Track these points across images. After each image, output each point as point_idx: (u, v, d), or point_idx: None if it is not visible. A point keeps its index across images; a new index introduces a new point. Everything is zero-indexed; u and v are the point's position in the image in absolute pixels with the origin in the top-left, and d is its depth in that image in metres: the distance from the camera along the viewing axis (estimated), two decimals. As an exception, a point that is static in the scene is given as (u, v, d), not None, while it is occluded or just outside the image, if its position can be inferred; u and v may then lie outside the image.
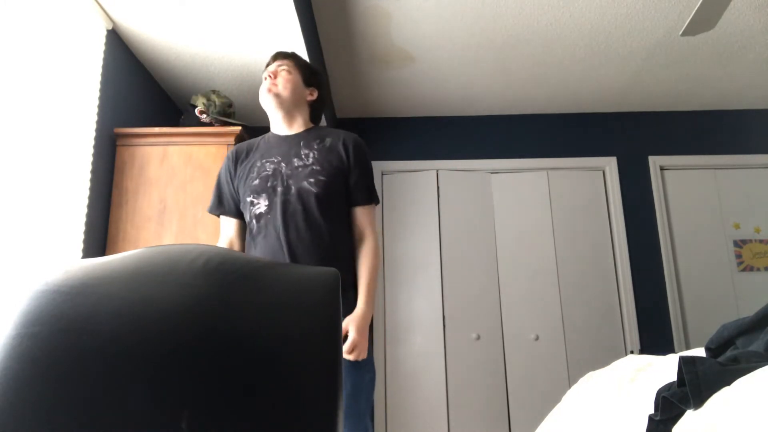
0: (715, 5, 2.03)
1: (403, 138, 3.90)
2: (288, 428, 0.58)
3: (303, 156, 1.71)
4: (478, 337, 3.51)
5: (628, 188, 3.78)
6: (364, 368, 1.58)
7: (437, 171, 3.82)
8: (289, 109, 1.76)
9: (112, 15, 2.38)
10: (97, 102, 2.35)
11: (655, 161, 3.83)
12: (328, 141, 1.73)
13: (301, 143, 1.73)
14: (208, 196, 2.45)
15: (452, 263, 3.64)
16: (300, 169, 1.68)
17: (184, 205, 2.43)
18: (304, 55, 2.67)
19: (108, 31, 2.42)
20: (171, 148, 2.52)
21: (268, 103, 1.75)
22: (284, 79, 1.75)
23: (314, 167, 1.68)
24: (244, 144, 1.82)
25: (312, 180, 1.66)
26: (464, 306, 3.57)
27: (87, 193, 2.27)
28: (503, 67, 3.30)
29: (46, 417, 0.55)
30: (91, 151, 2.31)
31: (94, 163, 2.33)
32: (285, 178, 1.67)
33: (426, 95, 3.65)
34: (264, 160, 1.72)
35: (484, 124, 3.94)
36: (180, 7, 2.32)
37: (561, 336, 3.53)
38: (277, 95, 1.73)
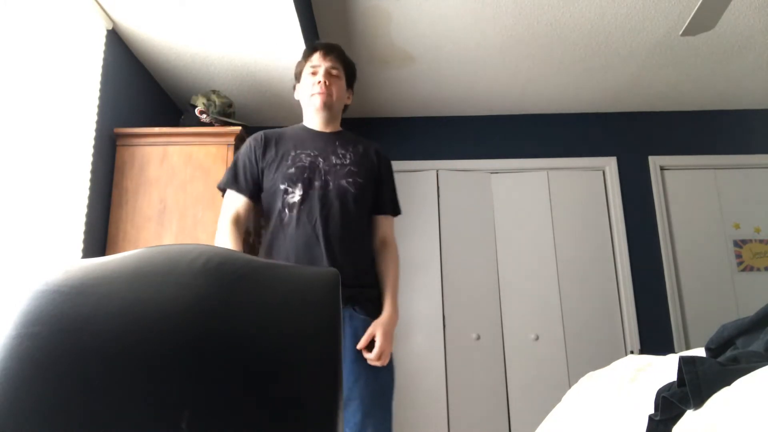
0: (715, 5, 2.03)
1: (403, 138, 3.90)
2: (288, 428, 0.58)
3: (341, 155, 1.73)
4: (478, 337, 3.51)
5: (628, 188, 3.78)
6: (391, 367, 1.64)
7: (437, 171, 3.82)
8: (334, 113, 1.80)
9: (112, 15, 2.38)
10: (97, 102, 2.35)
11: (655, 161, 3.83)
12: (360, 147, 1.79)
13: (337, 143, 1.76)
14: (209, 196, 2.45)
15: (452, 263, 3.64)
16: (338, 167, 1.70)
17: (184, 205, 2.43)
18: (304, 55, 2.67)
19: (108, 31, 2.42)
20: (171, 148, 2.52)
21: (317, 106, 1.75)
22: (338, 87, 1.78)
23: (352, 168, 1.71)
24: (272, 131, 1.81)
25: (351, 180, 1.69)
26: (464, 306, 3.57)
27: (87, 193, 2.27)
28: (503, 67, 3.30)
29: (46, 417, 0.55)
30: (91, 151, 2.31)
31: (94, 163, 2.33)
32: (323, 172, 1.68)
33: (426, 95, 3.65)
34: (299, 151, 1.71)
35: (484, 124, 3.94)
36: (180, 7, 2.32)
37: (561, 336, 3.52)
38: (330, 104, 1.76)
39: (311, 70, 1.76)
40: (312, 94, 1.75)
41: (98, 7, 2.30)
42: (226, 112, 2.78)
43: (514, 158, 3.86)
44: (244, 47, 2.64)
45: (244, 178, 1.73)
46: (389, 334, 1.59)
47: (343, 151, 1.74)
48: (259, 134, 1.79)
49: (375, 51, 3.11)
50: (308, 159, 1.70)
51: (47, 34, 2.00)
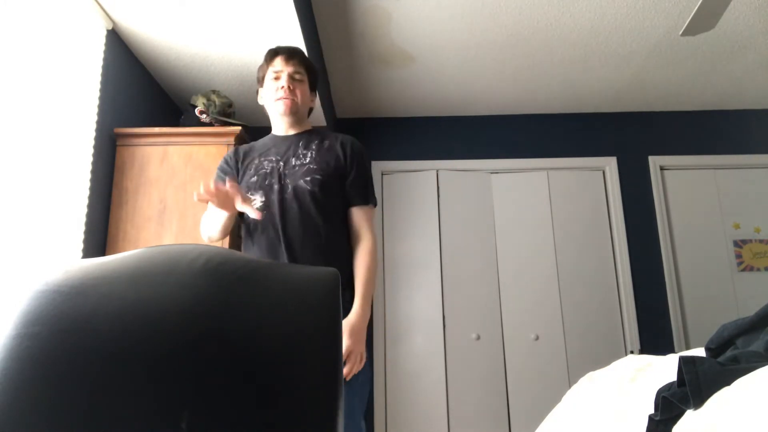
0: (715, 5, 2.03)
1: (403, 138, 3.90)
2: (288, 428, 0.58)
3: (301, 155, 1.73)
4: (478, 337, 3.51)
5: (628, 188, 3.78)
6: (364, 378, 1.58)
7: (437, 171, 3.82)
8: (298, 117, 1.79)
9: (112, 15, 2.38)
10: (97, 102, 2.35)
11: (655, 161, 3.83)
12: (326, 142, 1.76)
13: (300, 143, 1.76)
14: (208, 196, 2.45)
15: (452, 263, 3.64)
16: (297, 168, 1.70)
17: (184, 205, 2.43)
18: (304, 55, 2.66)
19: (108, 31, 2.42)
20: (171, 148, 2.51)
21: (281, 111, 1.76)
22: (301, 92, 1.77)
23: (311, 166, 1.70)
24: (246, 145, 1.85)
25: (308, 178, 1.67)
26: (464, 306, 3.57)
27: (87, 193, 2.27)
28: (503, 67, 3.30)
29: (46, 417, 0.55)
30: (91, 151, 2.31)
31: (94, 163, 2.33)
32: (282, 176, 1.69)
33: (426, 95, 3.65)
34: (262, 158, 1.75)
35: (484, 124, 3.94)
36: (180, 7, 2.32)
37: (561, 336, 3.53)
38: (296, 110, 1.76)
39: (274, 75, 1.76)
40: (276, 99, 1.75)
41: (98, 7, 2.30)
42: (226, 112, 2.78)
43: (514, 158, 3.86)
44: (244, 47, 2.64)
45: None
46: (357, 334, 1.52)
47: (304, 151, 1.73)
48: (232, 149, 1.84)
49: (375, 51, 3.11)
50: (270, 165, 1.72)
51: (47, 34, 2.00)
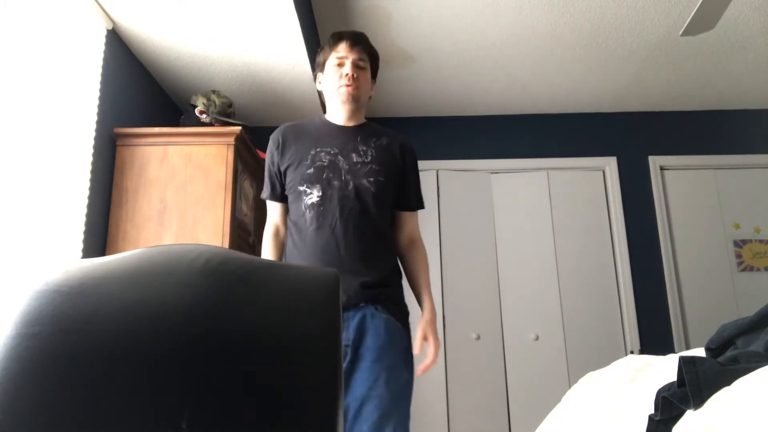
0: (715, 5, 2.03)
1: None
2: (288, 428, 0.58)
3: (362, 152, 1.68)
4: (478, 337, 3.51)
5: (628, 188, 3.78)
6: (412, 369, 1.68)
7: (437, 171, 3.82)
8: (360, 105, 1.74)
9: (112, 15, 2.38)
10: (97, 102, 2.35)
11: (655, 161, 3.83)
12: (384, 140, 1.74)
13: (359, 138, 1.71)
14: (209, 196, 2.45)
15: (452, 263, 3.64)
16: (359, 165, 1.65)
17: (184, 205, 2.43)
18: (303, 54, 2.67)
19: (108, 31, 2.42)
20: (171, 148, 2.51)
21: (343, 99, 1.69)
22: (365, 80, 1.72)
23: (373, 166, 1.66)
24: (291, 127, 1.76)
25: (372, 179, 1.64)
26: (464, 306, 3.57)
27: (87, 193, 2.27)
28: (503, 67, 3.30)
29: (46, 417, 0.55)
30: (91, 151, 2.31)
31: (94, 163, 2.33)
32: (343, 172, 1.64)
33: (426, 95, 3.65)
34: (318, 149, 1.67)
35: (484, 124, 3.94)
36: (180, 7, 2.32)
37: (561, 336, 3.52)
38: (357, 96, 1.70)
39: (337, 61, 1.69)
40: (339, 87, 1.68)
41: (98, 7, 2.30)
42: (226, 112, 2.78)
43: (514, 158, 3.86)
44: (244, 47, 2.64)
45: (273, 186, 1.74)
46: (436, 332, 1.66)
47: (364, 147, 1.68)
48: (277, 134, 1.75)
49: (375, 51, 3.11)
50: (328, 158, 1.65)
51: (47, 34, 2.00)
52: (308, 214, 1.62)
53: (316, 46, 2.89)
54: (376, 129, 1.77)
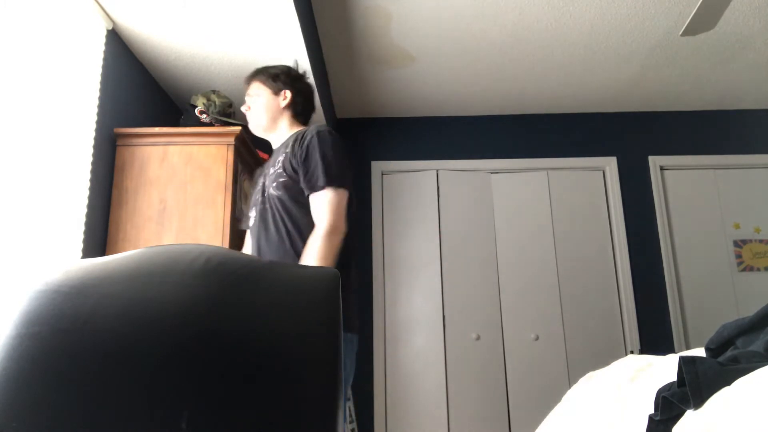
0: (715, 5, 2.03)
1: (403, 138, 3.90)
2: (288, 428, 0.58)
3: (276, 163, 1.72)
4: (478, 337, 3.51)
5: (628, 188, 3.78)
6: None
7: (437, 171, 3.82)
8: (269, 129, 1.84)
9: (112, 15, 2.38)
10: (97, 102, 2.35)
11: (655, 161, 3.83)
12: (296, 141, 1.71)
13: (280, 150, 1.77)
14: (209, 196, 2.45)
15: (452, 263, 3.64)
16: (271, 176, 1.70)
17: (184, 205, 2.43)
18: (303, 55, 2.66)
19: (108, 31, 2.42)
20: (171, 148, 2.51)
21: (255, 133, 1.87)
22: (254, 109, 1.84)
23: (278, 170, 1.68)
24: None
25: (275, 184, 1.67)
26: (464, 306, 3.57)
27: (87, 193, 2.27)
28: (503, 67, 3.30)
29: (46, 417, 0.55)
30: (91, 151, 2.31)
31: (94, 163, 2.33)
32: (263, 188, 1.72)
33: (426, 95, 3.64)
34: (261, 176, 1.81)
35: (484, 124, 3.94)
36: (179, 7, 2.32)
37: (561, 336, 3.52)
38: (255, 127, 1.84)
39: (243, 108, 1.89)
40: None
41: (98, 7, 2.30)
42: (226, 112, 2.77)
43: (514, 158, 3.86)
44: (244, 47, 2.64)
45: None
46: None
47: (280, 158, 1.72)
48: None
49: (375, 51, 3.11)
50: (261, 180, 1.78)
51: (47, 34, 2.00)
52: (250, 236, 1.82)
53: (316, 46, 2.89)
54: (300, 133, 1.75)
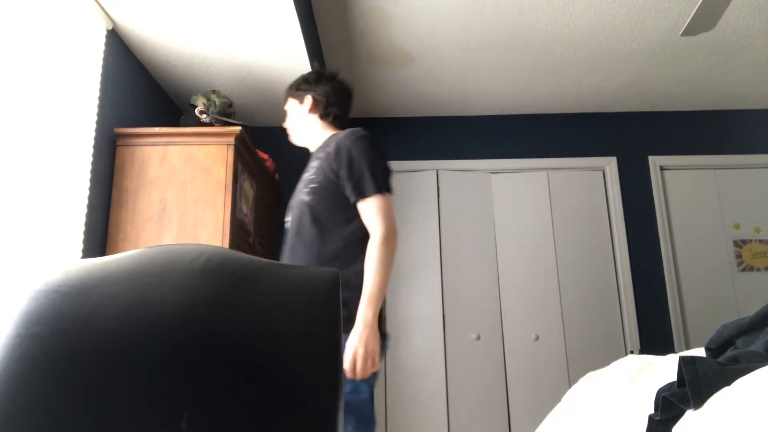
0: (715, 5, 2.03)
1: (403, 138, 3.90)
2: (288, 428, 0.58)
3: (309, 169, 1.74)
4: (478, 337, 3.51)
5: (628, 188, 3.78)
6: (352, 398, 1.52)
7: (437, 171, 3.82)
8: (302, 137, 1.89)
9: (112, 15, 2.38)
10: (97, 102, 2.35)
11: (655, 161, 3.83)
12: (329, 147, 1.70)
13: (314, 156, 1.79)
14: (209, 196, 2.45)
15: (452, 263, 3.64)
16: (304, 182, 1.72)
17: (184, 205, 2.43)
18: (303, 55, 2.67)
19: (108, 31, 2.42)
20: (171, 148, 2.52)
21: (295, 143, 1.94)
22: (287, 121, 1.92)
23: (311, 176, 1.70)
24: None
25: (306, 190, 1.68)
26: (464, 306, 3.57)
27: (87, 193, 2.27)
28: (503, 67, 3.30)
29: (45, 417, 0.55)
30: (91, 151, 2.31)
31: (94, 163, 2.33)
32: (296, 194, 1.75)
33: (426, 95, 3.65)
34: (300, 182, 1.85)
35: (484, 124, 3.94)
36: (180, 7, 2.32)
37: (561, 336, 3.52)
38: (292, 138, 1.92)
39: None
40: None
41: (98, 7, 2.30)
42: (226, 112, 2.78)
43: (514, 158, 3.86)
44: (244, 47, 2.64)
45: None
46: (354, 349, 1.47)
47: (313, 163, 1.74)
48: None
49: (375, 51, 3.11)
50: (298, 185, 1.82)
51: (47, 34, 2.00)
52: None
53: (316, 46, 2.89)
54: (332, 138, 1.76)
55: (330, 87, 1.85)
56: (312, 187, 1.66)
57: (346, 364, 1.47)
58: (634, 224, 3.71)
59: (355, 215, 1.64)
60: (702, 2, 2.02)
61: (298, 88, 1.87)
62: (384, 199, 1.61)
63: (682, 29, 2.19)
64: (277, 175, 3.33)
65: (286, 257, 1.71)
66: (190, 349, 0.60)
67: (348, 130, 1.72)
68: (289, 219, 1.75)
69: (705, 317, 3.55)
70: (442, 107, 3.83)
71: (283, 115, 3.29)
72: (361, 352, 1.47)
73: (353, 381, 1.51)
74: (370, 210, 1.60)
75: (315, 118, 1.83)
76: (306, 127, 1.85)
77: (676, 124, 3.91)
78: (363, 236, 1.62)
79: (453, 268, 3.63)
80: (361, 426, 1.52)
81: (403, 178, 3.83)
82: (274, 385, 0.60)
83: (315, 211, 1.64)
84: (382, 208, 1.60)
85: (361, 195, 1.61)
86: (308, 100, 1.84)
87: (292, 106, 1.88)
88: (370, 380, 1.55)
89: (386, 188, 1.63)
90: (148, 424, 0.56)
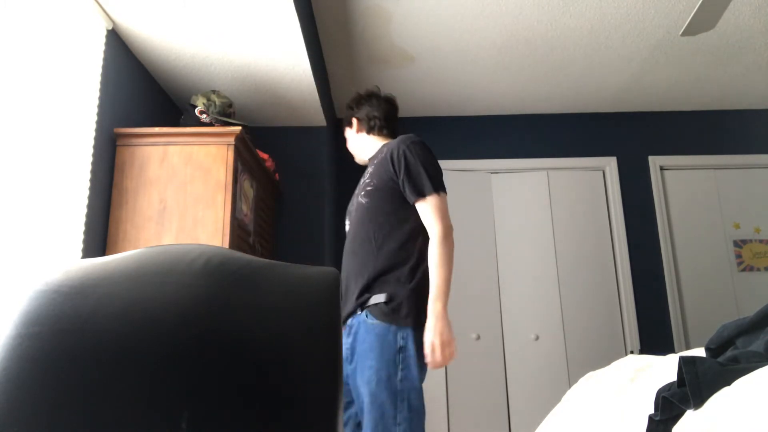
0: (715, 5, 2.03)
1: (403, 138, 3.90)
2: (288, 428, 0.58)
3: (365, 175, 1.89)
4: (478, 337, 3.51)
5: (628, 188, 3.78)
6: (385, 387, 1.62)
7: (437, 171, 3.82)
8: (360, 155, 2.07)
9: (112, 15, 2.38)
10: (97, 102, 2.34)
11: (655, 161, 3.83)
12: (383, 154, 1.86)
13: (370, 163, 1.94)
14: (209, 196, 2.45)
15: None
16: (361, 187, 1.86)
17: (184, 205, 2.43)
18: (303, 54, 2.67)
19: (108, 31, 2.42)
20: (171, 148, 2.51)
21: (360, 164, 2.10)
22: (350, 144, 2.10)
23: (367, 180, 1.83)
24: None
25: (363, 193, 1.81)
26: (464, 306, 3.57)
27: (87, 193, 2.27)
28: (503, 67, 3.30)
29: (45, 417, 0.55)
30: (91, 151, 2.31)
31: (94, 163, 2.33)
32: (354, 199, 1.88)
33: (426, 95, 3.64)
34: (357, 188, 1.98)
35: (484, 124, 3.94)
36: (180, 7, 2.32)
37: (561, 336, 3.52)
38: (357, 160, 2.10)
39: None
40: None
41: (98, 7, 2.30)
42: (226, 112, 2.77)
43: (514, 158, 3.86)
44: (244, 47, 2.64)
45: None
46: (431, 341, 1.63)
47: (370, 170, 1.88)
48: None
49: (375, 51, 3.11)
50: (355, 191, 1.95)
51: (47, 34, 2.00)
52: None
53: (316, 46, 2.89)
54: (385, 146, 1.91)
55: (369, 105, 2.05)
56: (368, 191, 1.79)
57: (428, 356, 1.62)
58: (634, 224, 3.71)
59: (409, 216, 1.76)
60: (702, 2, 2.02)
61: (347, 115, 2.09)
62: (440, 199, 1.75)
63: (682, 29, 2.19)
64: (277, 175, 3.33)
65: (347, 259, 1.82)
66: (190, 350, 0.60)
67: (400, 137, 1.86)
68: (348, 222, 1.89)
69: (705, 317, 3.55)
70: (442, 107, 3.83)
71: (283, 115, 3.30)
72: (438, 342, 1.63)
73: (405, 370, 1.62)
74: (428, 209, 1.74)
75: (365, 135, 2.02)
76: (360, 145, 2.04)
77: (676, 124, 3.91)
78: (416, 236, 1.75)
79: (453, 268, 3.63)
80: (412, 414, 1.62)
81: (403, 178, 3.83)
82: (274, 386, 0.60)
83: (372, 213, 1.77)
84: (440, 207, 1.75)
85: (420, 195, 1.73)
86: (355, 122, 2.05)
87: (347, 132, 2.10)
88: (422, 373, 1.69)
89: (442, 188, 1.77)
90: (148, 424, 0.56)
